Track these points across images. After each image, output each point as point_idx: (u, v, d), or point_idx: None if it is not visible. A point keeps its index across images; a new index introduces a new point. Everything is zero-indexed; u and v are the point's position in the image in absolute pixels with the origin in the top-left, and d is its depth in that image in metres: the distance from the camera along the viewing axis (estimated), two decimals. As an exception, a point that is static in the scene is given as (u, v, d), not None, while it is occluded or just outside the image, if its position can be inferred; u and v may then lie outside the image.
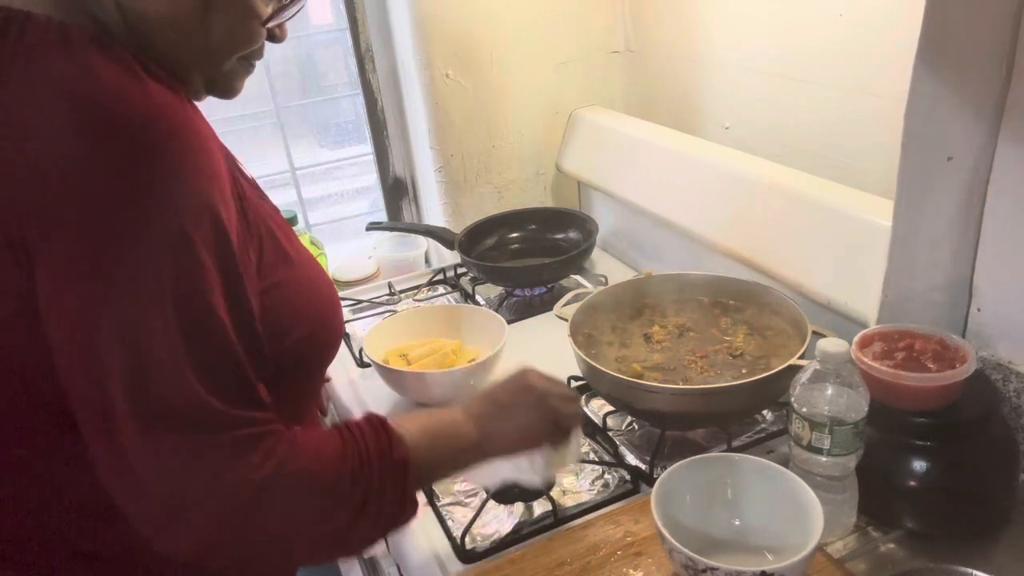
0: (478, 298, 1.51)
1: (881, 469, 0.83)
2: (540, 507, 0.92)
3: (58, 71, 0.57)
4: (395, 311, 1.45)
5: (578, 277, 1.50)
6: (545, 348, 1.20)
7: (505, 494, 0.90)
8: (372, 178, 1.88)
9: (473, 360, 1.15)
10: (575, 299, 1.14)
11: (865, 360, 0.85)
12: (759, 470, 0.81)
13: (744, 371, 1.02)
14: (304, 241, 1.32)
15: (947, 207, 0.88)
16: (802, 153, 1.24)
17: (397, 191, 1.87)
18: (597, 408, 1.10)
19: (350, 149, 2.02)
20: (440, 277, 1.60)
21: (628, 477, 0.96)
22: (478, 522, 0.91)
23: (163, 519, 0.60)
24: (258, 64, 0.74)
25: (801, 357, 0.93)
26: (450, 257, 1.62)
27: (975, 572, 0.75)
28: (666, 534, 0.73)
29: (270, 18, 0.68)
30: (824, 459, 0.79)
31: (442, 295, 1.55)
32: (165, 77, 0.62)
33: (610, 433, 1.05)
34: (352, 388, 1.24)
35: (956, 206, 0.88)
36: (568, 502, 0.93)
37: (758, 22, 1.28)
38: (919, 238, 0.89)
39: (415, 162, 1.80)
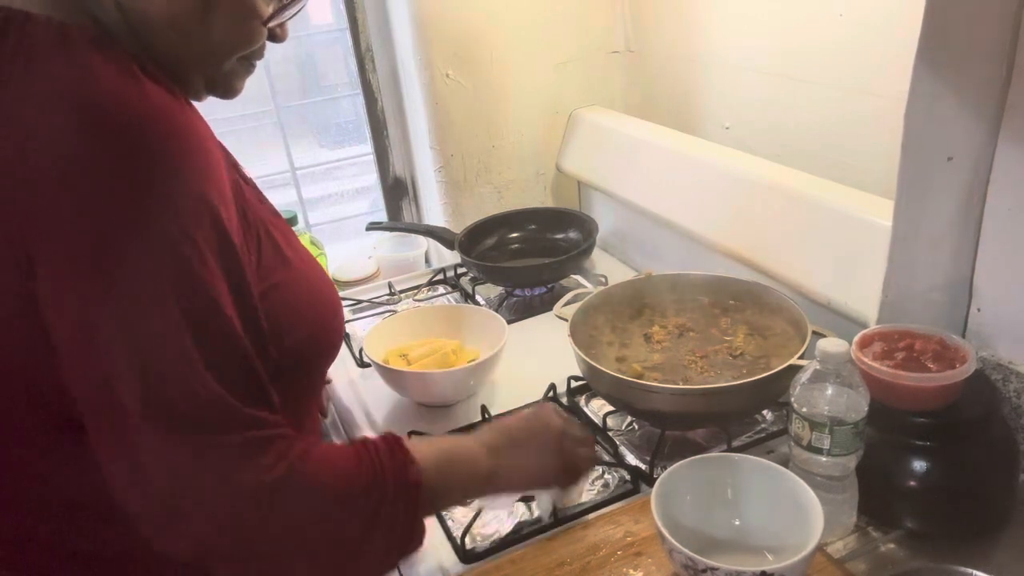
0: (478, 298, 1.51)
1: (881, 469, 0.83)
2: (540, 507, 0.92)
3: (58, 71, 0.57)
4: (395, 311, 1.45)
5: (578, 277, 1.50)
6: (545, 348, 1.20)
7: None
8: (372, 178, 1.88)
9: (473, 360, 1.15)
10: (575, 299, 1.14)
11: (865, 360, 0.85)
12: (759, 470, 0.81)
13: (744, 371, 1.02)
14: (304, 241, 1.33)
15: (947, 207, 0.88)
16: (802, 153, 1.24)
17: (397, 191, 1.87)
18: (597, 408, 1.10)
19: (350, 149, 2.02)
20: (440, 277, 1.60)
21: (628, 477, 0.96)
22: (478, 522, 0.91)
23: (169, 519, 0.59)
24: (258, 64, 0.73)
25: (801, 357, 0.93)
26: (450, 257, 1.62)
27: (975, 572, 0.75)
28: (666, 534, 0.73)
29: (271, 18, 0.68)
30: (824, 459, 0.79)
31: (442, 295, 1.55)
32: (164, 79, 0.62)
33: (610, 433, 1.05)
34: (352, 388, 1.24)
35: (956, 206, 0.88)
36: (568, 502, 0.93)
37: (758, 22, 1.28)
38: (919, 238, 0.89)
39: (415, 162, 1.80)
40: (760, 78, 1.30)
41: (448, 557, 0.88)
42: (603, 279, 1.48)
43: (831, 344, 0.78)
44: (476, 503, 0.86)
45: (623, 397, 1.00)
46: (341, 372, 1.27)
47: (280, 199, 1.81)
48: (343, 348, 1.22)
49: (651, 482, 0.93)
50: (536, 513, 0.91)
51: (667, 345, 1.10)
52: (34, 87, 0.57)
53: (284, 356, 0.70)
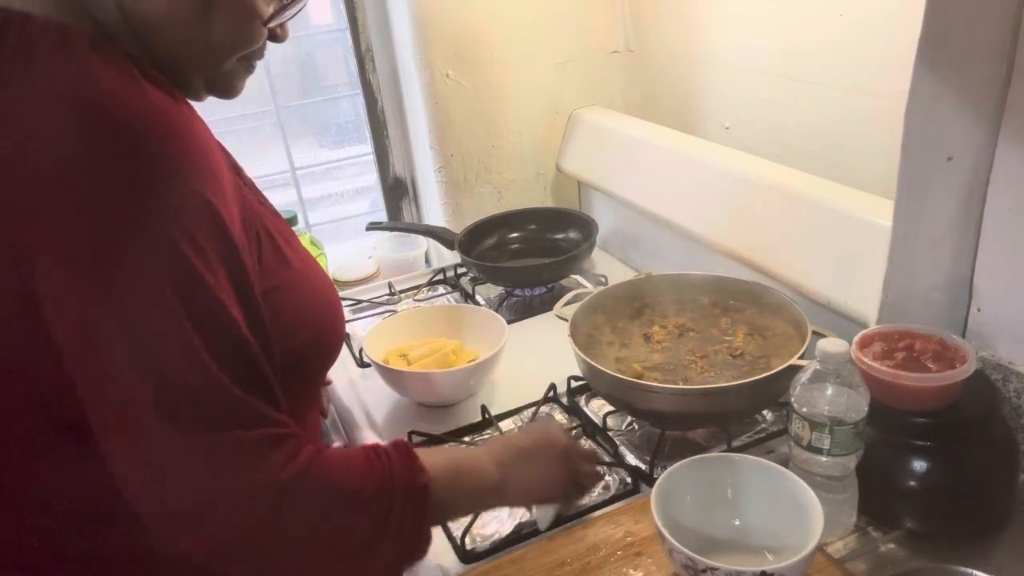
0: (478, 298, 1.51)
1: (881, 469, 0.83)
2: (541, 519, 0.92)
3: (58, 72, 0.57)
4: (395, 311, 1.45)
5: (578, 277, 1.50)
6: (545, 348, 1.20)
7: None
8: (372, 178, 1.88)
9: (473, 360, 1.15)
10: (575, 299, 1.14)
11: (865, 360, 0.85)
12: (759, 470, 0.81)
13: (744, 371, 1.02)
14: (304, 241, 1.33)
15: (947, 207, 0.88)
16: (802, 153, 1.24)
17: (397, 191, 1.87)
18: (597, 408, 1.10)
19: (350, 149, 2.02)
20: (440, 277, 1.60)
21: (628, 477, 0.96)
22: (478, 522, 0.91)
23: (185, 519, 0.59)
24: (258, 64, 0.74)
25: (801, 357, 0.93)
26: (450, 257, 1.62)
27: (975, 572, 0.75)
28: (666, 534, 0.73)
29: (271, 18, 0.68)
30: (824, 459, 0.79)
31: (442, 295, 1.55)
32: (164, 82, 0.62)
33: (610, 433, 1.05)
34: (352, 388, 1.24)
35: (956, 206, 0.88)
36: (568, 502, 0.94)
37: (758, 22, 1.28)
38: (919, 238, 0.89)
39: (415, 162, 1.80)
40: (760, 78, 1.30)
41: (448, 557, 0.88)
42: (603, 279, 1.48)
43: (831, 344, 0.78)
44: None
45: (623, 397, 1.00)
46: (341, 372, 1.27)
47: (280, 199, 1.81)
48: (343, 348, 1.22)
49: (651, 482, 0.93)
50: (535, 520, 0.91)
51: (667, 345, 1.10)
52: (34, 87, 0.57)
53: (285, 357, 0.70)
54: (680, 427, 1.03)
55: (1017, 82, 0.81)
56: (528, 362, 1.22)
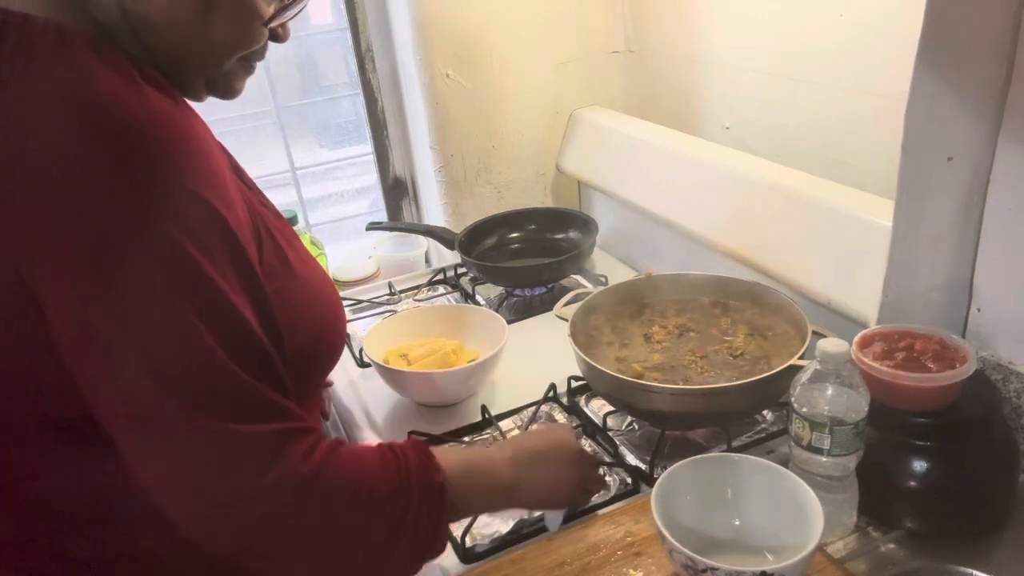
0: (478, 298, 1.51)
1: (881, 469, 0.83)
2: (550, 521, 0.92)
3: (57, 72, 0.57)
4: (395, 311, 1.45)
5: (578, 277, 1.50)
6: (545, 348, 1.20)
7: None
8: (372, 178, 1.88)
9: (473, 360, 1.15)
10: (575, 299, 1.14)
11: (865, 360, 0.85)
12: (759, 470, 0.81)
13: (744, 371, 1.02)
14: (304, 241, 1.32)
15: (947, 207, 0.88)
16: (802, 153, 1.24)
17: (397, 191, 1.87)
18: (597, 408, 1.10)
19: (350, 149, 2.02)
20: (440, 277, 1.60)
21: (628, 477, 0.96)
22: (478, 522, 0.91)
23: (211, 515, 0.59)
24: (258, 64, 0.74)
25: (801, 357, 0.93)
26: (450, 257, 1.62)
27: (975, 572, 0.75)
28: (666, 534, 0.73)
29: (272, 18, 0.68)
30: (824, 459, 0.79)
31: (442, 295, 1.55)
32: (164, 84, 0.62)
33: (610, 433, 1.05)
34: (352, 388, 1.24)
35: (956, 206, 0.88)
36: (568, 502, 0.94)
37: (758, 22, 1.28)
38: (919, 238, 0.89)
39: (415, 162, 1.80)
40: (760, 78, 1.30)
41: (448, 557, 0.88)
42: (603, 279, 1.48)
43: (831, 344, 0.78)
44: None
45: (623, 397, 1.00)
46: (341, 372, 1.27)
47: (280, 199, 1.81)
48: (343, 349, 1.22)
49: (651, 482, 0.93)
50: (536, 513, 0.91)
51: (667, 345, 1.10)
52: (34, 87, 0.57)
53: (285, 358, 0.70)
54: (680, 427, 1.03)
55: (1017, 82, 0.81)
56: (528, 362, 1.22)
